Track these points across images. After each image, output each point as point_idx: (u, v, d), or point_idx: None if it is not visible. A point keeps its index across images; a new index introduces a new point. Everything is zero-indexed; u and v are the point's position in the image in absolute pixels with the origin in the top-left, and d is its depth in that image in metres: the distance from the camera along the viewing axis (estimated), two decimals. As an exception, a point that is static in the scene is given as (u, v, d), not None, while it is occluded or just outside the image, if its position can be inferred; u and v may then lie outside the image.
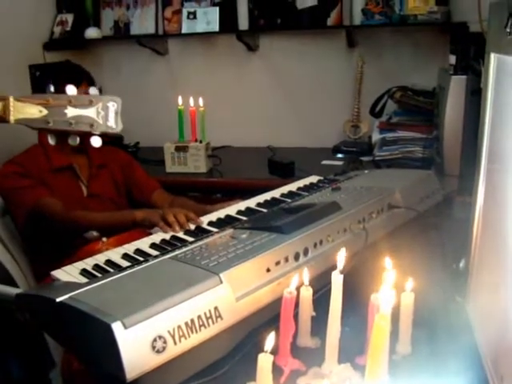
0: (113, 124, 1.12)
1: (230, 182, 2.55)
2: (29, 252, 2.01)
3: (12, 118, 1.03)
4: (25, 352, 2.03)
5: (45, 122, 1.06)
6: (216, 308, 0.98)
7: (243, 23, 3.11)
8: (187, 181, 2.60)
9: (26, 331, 1.83)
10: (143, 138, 3.24)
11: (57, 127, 1.07)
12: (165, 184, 2.21)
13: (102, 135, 1.11)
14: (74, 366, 1.53)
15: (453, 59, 1.98)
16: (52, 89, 1.12)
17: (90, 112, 1.09)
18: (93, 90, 1.13)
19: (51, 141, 1.11)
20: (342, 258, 1.01)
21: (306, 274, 1.03)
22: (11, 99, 1.03)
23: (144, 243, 1.34)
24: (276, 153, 2.91)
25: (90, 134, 1.11)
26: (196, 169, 2.63)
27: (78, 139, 1.14)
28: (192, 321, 0.94)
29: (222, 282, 1.01)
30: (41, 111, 1.05)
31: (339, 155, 2.86)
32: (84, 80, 1.94)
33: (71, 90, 1.09)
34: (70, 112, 1.08)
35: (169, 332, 0.91)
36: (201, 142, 2.64)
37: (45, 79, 1.98)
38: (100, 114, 1.10)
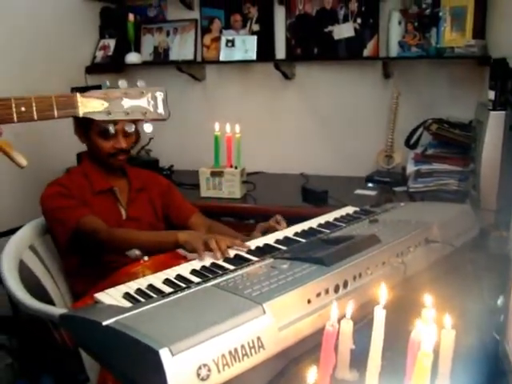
0: (162, 111, 1.30)
1: (264, 208, 2.56)
2: (67, 271, 2.05)
3: (81, 112, 1.17)
4: (58, 367, 2.07)
5: (106, 113, 1.21)
6: (259, 338, 0.99)
7: (280, 52, 3.16)
8: (221, 206, 2.63)
9: (62, 349, 1.86)
10: (177, 162, 3.30)
11: (116, 117, 1.23)
12: (199, 208, 2.23)
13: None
14: (109, 384, 1.55)
15: (492, 94, 1.98)
16: (108, 83, 1.29)
17: (143, 102, 1.26)
18: (140, 83, 1.29)
19: (112, 129, 1.29)
20: (384, 292, 1.02)
21: (349, 308, 1.04)
22: (78, 95, 1.17)
23: (184, 269, 1.37)
24: (309, 180, 2.93)
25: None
26: (230, 194, 2.67)
27: (134, 126, 1.31)
28: (236, 350, 0.95)
29: (265, 313, 1.02)
30: (103, 104, 1.20)
31: (372, 185, 2.86)
32: None
33: (123, 84, 1.26)
34: (126, 103, 1.24)
35: (213, 360, 0.92)
36: (236, 167, 2.67)
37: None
38: (150, 103, 1.27)
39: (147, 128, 1.29)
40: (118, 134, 1.92)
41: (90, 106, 1.18)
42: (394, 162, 2.93)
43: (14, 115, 1.07)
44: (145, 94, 1.26)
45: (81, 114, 1.17)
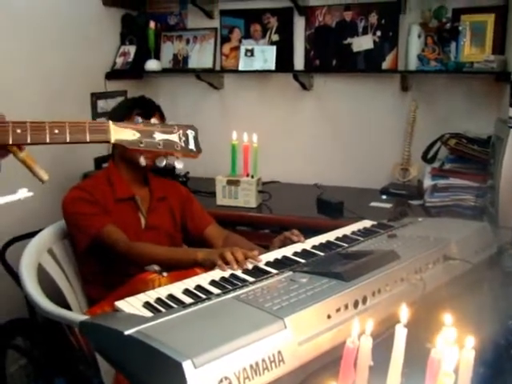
0: (193, 147, 1.32)
1: (280, 218, 2.58)
2: (83, 276, 2.06)
3: (112, 138, 1.20)
4: (72, 371, 2.08)
5: (138, 142, 1.24)
6: (279, 352, 1.00)
7: (299, 63, 3.18)
8: (237, 214, 2.65)
9: (77, 353, 1.87)
10: (192, 169, 3.31)
11: (147, 148, 1.25)
12: (215, 216, 2.25)
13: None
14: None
15: (512, 112, 1.98)
16: (140, 119, 1.35)
17: (174, 137, 1.30)
18: (171, 122, 1.33)
19: (142, 162, 1.30)
20: (405, 311, 1.02)
21: (369, 325, 1.04)
22: (110, 123, 1.20)
23: (203, 279, 1.38)
24: (323, 191, 2.94)
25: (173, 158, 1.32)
26: (246, 203, 2.68)
27: (164, 162, 1.33)
28: (256, 364, 0.96)
29: (286, 327, 1.03)
30: (134, 134, 1.23)
31: (386, 197, 2.86)
32: (156, 113, 2.05)
33: (155, 120, 1.34)
34: (158, 136, 1.27)
35: (234, 374, 0.92)
36: (252, 177, 2.68)
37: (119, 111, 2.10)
38: (182, 139, 1.30)
39: (178, 164, 1.33)
40: None
41: (122, 134, 1.21)
42: (409, 175, 2.93)
43: (47, 136, 1.11)
44: (176, 130, 1.30)
45: (112, 140, 1.20)
